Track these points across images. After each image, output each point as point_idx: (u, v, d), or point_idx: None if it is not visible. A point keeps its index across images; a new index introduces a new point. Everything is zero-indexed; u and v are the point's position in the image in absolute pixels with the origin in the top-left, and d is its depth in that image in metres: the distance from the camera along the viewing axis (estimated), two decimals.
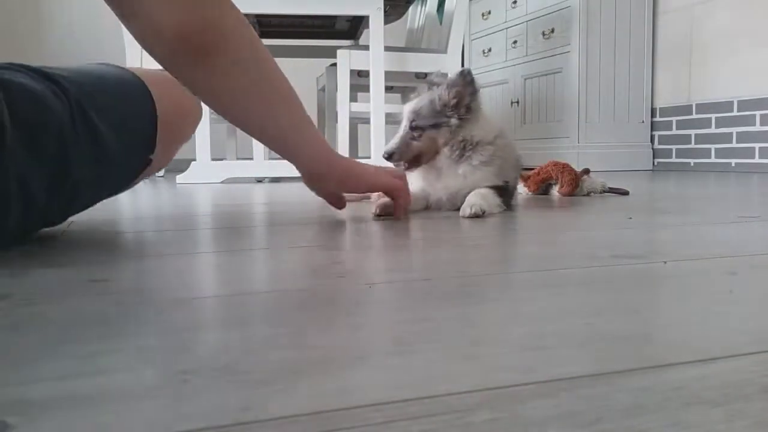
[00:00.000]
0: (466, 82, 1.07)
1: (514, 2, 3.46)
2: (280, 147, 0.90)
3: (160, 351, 0.34)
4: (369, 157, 2.54)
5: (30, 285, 0.51)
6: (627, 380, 0.29)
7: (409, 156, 1.10)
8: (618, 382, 0.29)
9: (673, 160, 3.04)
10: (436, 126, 1.08)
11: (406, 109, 1.12)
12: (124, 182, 0.88)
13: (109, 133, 0.78)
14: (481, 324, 0.39)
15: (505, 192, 1.10)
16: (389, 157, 1.09)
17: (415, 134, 1.08)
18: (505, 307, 0.43)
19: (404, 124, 1.11)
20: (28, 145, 0.69)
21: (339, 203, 1.03)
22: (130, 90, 0.84)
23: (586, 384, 0.29)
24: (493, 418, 0.25)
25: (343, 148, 2.51)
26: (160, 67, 0.77)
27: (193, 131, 1.00)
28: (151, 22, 0.67)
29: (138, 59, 2.33)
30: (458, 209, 1.03)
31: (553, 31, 3.16)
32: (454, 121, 1.07)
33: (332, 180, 0.95)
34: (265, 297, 0.47)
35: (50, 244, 0.72)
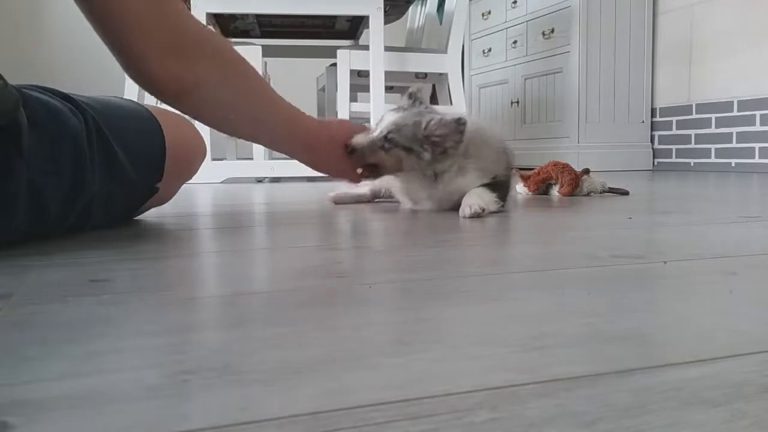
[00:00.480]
0: (458, 131, 1.03)
1: (514, 2, 3.46)
2: (272, 145, 1.02)
3: (160, 351, 0.34)
4: None
5: (30, 285, 0.51)
6: (627, 380, 0.29)
7: (369, 160, 1.05)
8: (618, 382, 0.29)
9: (673, 160, 3.04)
10: (408, 150, 1.04)
11: (388, 118, 1.07)
12: (133, 206, 0.91)
13: (122, 154, 0.80)
14: (481, 324, 0.39)
15: (497, 186, 1.09)
16: (352, 151, 1.04)
17: (386, 146, 1.04)
18: (505, 307, 0.43)
19: (380, 130, 1.06)
20: (45, 154, 0.70)
21: (353, 176, 1.07)
22: (143, 121, 0.88)
23: (586, 384, 0.29)
24: (493, 418, 0.25)
25: None
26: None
27: (198, 168, 1.05)
28: (134, 70, 0.73)
29: (136, 86, 2.33)
30: (452, 209, 1.04)
31: (553, 31, 3.15)
32: (426, 155, 1.04)
33: (321, 152, 1.01)
34: (265, 297, 0.47)
35: (50, 244, 0.72)
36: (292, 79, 3.99)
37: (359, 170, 1.08)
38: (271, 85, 3.62)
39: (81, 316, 0.42)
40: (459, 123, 1.03)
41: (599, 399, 0.27)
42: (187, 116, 0.88)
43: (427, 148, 1.03)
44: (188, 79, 0.76)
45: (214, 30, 0.79)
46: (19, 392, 0.28)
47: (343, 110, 2.48)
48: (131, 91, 2.30)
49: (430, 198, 1.09)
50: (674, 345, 0.35)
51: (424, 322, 0.39)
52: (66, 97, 0.78)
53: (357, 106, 2.53)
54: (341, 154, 1.03)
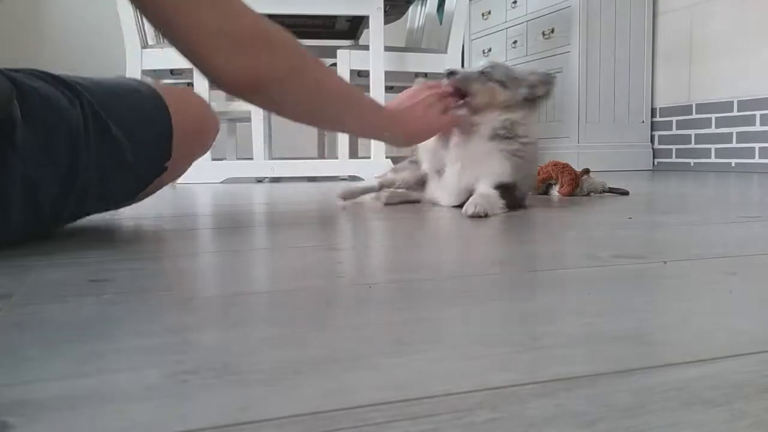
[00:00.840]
0: (549, 82, 1.12)
1: (514, 2, 3.46)
2: (354, 133, 1.12)
3: (160, 351, 0.34)
4: (369, 158, 2.55)
5: (30, 285, 0.51)
6: (627, 380, 0.29)
7: (465, 89, 1.10)
8: (618, 382, 0.29)
9: (673, 160, 3.04)
10: (503, 85, 1.10)
11: (483, 61, 1.14)
12: (135, 189, 0.89)
13: (121, 137, 0.80)
14: (481, 324, 0.39)
15: (509, 192, 1.09)
16: (450, 73, 1.10)
17: (483, 78, 1.10)
18: (505, 307, 0.43)
19: (476, 67, 1.12)
20: (39, 145, 0.70)
21: (443, 124, 1.10)
22: (144, 99, 0.88)
23: (586, 384, 0.29)
24: (493, 418, 0.25)
25: (343, 148, 2.51)
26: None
27: (210, 143, 1.04)
28: (208, 68, 0.76)
29: (138, 69, 2.33)
30: (460, 205, 1.04)
31: (553, 31, 3.15)
32: (522, 91, 1.10)
33: (407, 129, 1.05)
34: (265, 297, 0.47)
35: (50, 244, 0.72)
36: None
37: (454, 100, 1.11)
38: None
39: (81, 316, 0.42)
40: (550, 77, 1.13)
41: (599, 399, 0.27)
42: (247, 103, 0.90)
43: (524, 87, 1.10)
44: (261, 73, 0.78)
45: (280, 26, 0.81)
46: (19, 392, 0.28)
47: None
48: None
49: (460, 159, 1.11)
50: (674, 345, 0.35)
51: (424, 322, 0.39)
52: (61, 81, 0.78)
53: None
54: (423, 111, 1.06)
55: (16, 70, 0.76)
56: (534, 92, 1.11)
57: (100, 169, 0.78)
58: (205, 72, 0.77)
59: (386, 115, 1.02)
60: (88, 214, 0.83)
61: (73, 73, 0.83)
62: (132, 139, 0.82)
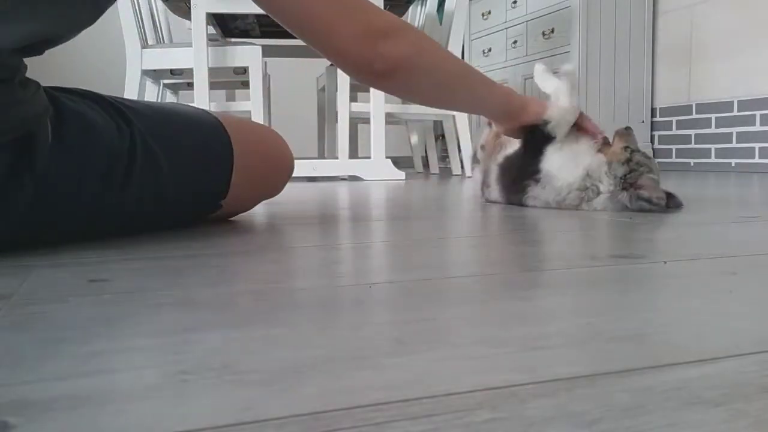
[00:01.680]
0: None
1: (514, 2, 3.46)
2: (480, 113, 1.17)
3: (160, 351, 0.34)
4: (369, 157, 2.55)
5: (30, 285, 0.51)
6: (627, 380, 0.29)
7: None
8: (618, 382, 0.29)
9: (673, 160, 3.04)
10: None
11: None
12: (171, 224, 0.86)
13: (167, 171, 0.77)
14: (481, 324, 0.39)
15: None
16: (627, 128, 1.12)
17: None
18: (505, 307, 0.43)
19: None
20: (68, 174, 0.67)
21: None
22: (203, 134, 0.84)
23: (586, 384, 0.29)
24: (493, 418, 0.25)
25: (343, 148, 2.51)
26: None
27: (282, 187, 1.01)
28: (336, 53, 0.81)
29: (138, 69, 2.32)
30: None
31: (553, 31, 3.16)
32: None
33: (527, 116, 1.08)
34: (264, 297, 0.47)
35: (50, 244, 0.72)
36: (292, 79, 3.99)
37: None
38: (271, 85, 3.60)
39: (81, 316, 0.42)
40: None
41: (599, 399, 0.27)
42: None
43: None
44: (393, 56, 0.82)
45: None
46: (19, 392, 0.28)
47: (343, 110, 2.48)
48: (131, 90, 2.30)
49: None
50: (674, 345, 0.35)
51: (424, 322, 0.39)
52: (113, 106, 0.74)
53: (357, 106, 2.53)
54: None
55: (66, 90, 0.73)
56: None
57: (138, 203, 0.75)
58: (345, 64, 0.83)
59: (500, 91, 1.06)
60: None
61: (78, 76, 0.82)
62: (180, 174, 0.78)
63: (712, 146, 2.83)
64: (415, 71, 0.87)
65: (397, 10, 2.76)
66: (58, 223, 0.70)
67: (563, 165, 1.07)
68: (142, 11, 2.47)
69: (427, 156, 3.50)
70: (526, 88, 3.40)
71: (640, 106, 3.11)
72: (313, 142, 3.50)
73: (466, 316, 0.41)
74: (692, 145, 2.93)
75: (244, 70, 2.44)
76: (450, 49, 2.54)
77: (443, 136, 3.25)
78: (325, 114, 3.04)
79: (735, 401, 0.27)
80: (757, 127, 2.62)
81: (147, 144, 0.74)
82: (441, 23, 2.74)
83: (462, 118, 2.75)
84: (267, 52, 2.58)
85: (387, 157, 2.56)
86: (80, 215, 0.71)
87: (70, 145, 0.67)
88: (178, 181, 0.79)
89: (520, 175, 1.13)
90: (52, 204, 0.67)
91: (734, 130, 2.72)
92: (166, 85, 2.96)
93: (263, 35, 3.02)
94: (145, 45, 2.39)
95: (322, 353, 0.33)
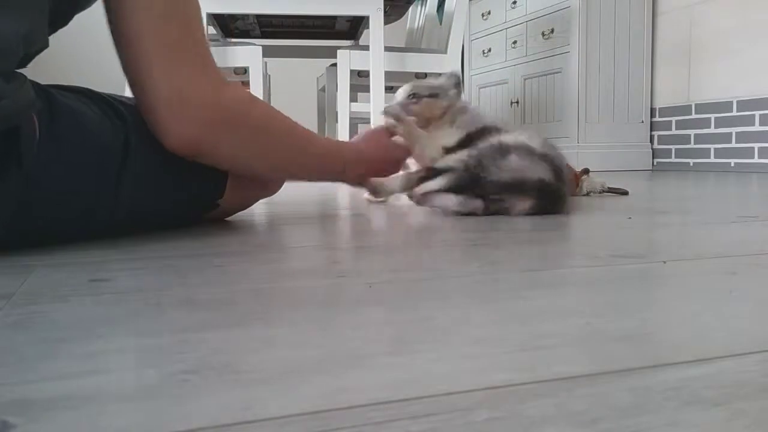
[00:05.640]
0: (456, 75, 1.22)
1: (514, 2, 3.46)
2: (307, 179, 1.00)
3: (160, 351, 0.34)
4: None
5: (30, 285, 0.51)
6: (627, 380, 0.29)
7: (403, 117, 1.13)
8: (618, 382, 0.29)
9: (673, 160, 3.04)
10: (434, 95, 1.16)
11: (400, 91, 1.20)
12: (164, 222, 0.85)
13: (164, 168, 0.76)
14: (481, 324, 0.39)
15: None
16: (384, 111, 1.13)
17: (414, 99, 1.15)
18: (505, 307, 0.43)
19: (399, 96, 1.19)
20: (60, 172, 0.67)
21: (398, 160, 1.10)
22: None
23: (586, 384, 0.29)
24: (493, 418, 0.25)
25: None
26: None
27: (281, 184, 1.00)
28: (158, 130, 0.73)
29: None
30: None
31: (552, 31, 3.16)
32: (452, 93, 1.17)
33: (360, 170, 1.01)
34: (264, 297, 0.47)
35: (50, 244, 0.72)
36: (292, 79, 3.99)
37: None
38: (271, 85, 3.58)
39: (81, 316, 0.42)
40: (453, 73, 1.24)
41: (599, 399, 0.27)
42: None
43: (446, 91, 1.18)
44: (205, 147, 0.76)
45: (238, 85, 0.79)
46: (19, 392, 0.28)
47: (343, 110, 2.48)
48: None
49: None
50: (674, 345, 0.35)
51: (424, 322, 0.39)
52: (109, 103, 0.74)
53: (357, 106, 2.53)
54: (375, 152, 1.05)
55: (62, 87, 0.73)
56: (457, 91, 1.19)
57: (133, 199, 0.74)
58: (154, 130, 0.74)
59: (334, 159, 0.96)
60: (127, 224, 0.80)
61: (75, 72, 0.82)
62: (177, 170, 0.78)
63: (712, 146, 2.83)
64: (219, 158, 0.80)
65: (397, 10, 2.76)
66: (51, 222, 0.69)
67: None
68: None
69: None
70: (525, 88, 3.40)
71: (639, 106, 3.11)
72: None
73: (465, 315, 0.41)
74: (692, 145, 2.93)
75: (245, 70, 2.44)
76: (450, 49, 2.54)
77: None
78: (325, 114, 3.04)
79: (735, 401, 0.27)
80: (757, 127, 2.62)
81: (141, 140, 0.73)
82: (441, 23, 2.74)
83: None
84: (267, 52, 2.58)
85: None
86: (74, 212, 0.70)
87: (62, 140, 0.66)
88: (175, 178, 0.78)
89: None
90: (44, 201, 0.66)
91: (733, 130, 2.72)
92: None
93: (263, 35, 3.02)
94: None
95: (321, 353, 0.33)
